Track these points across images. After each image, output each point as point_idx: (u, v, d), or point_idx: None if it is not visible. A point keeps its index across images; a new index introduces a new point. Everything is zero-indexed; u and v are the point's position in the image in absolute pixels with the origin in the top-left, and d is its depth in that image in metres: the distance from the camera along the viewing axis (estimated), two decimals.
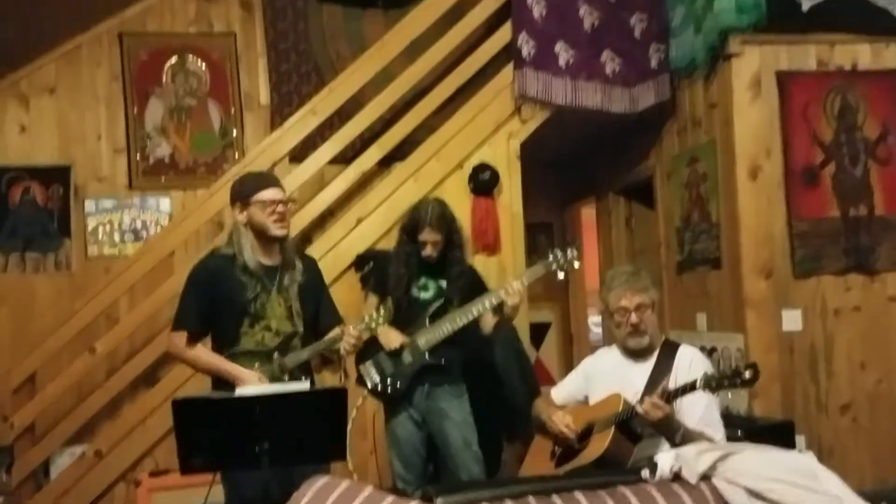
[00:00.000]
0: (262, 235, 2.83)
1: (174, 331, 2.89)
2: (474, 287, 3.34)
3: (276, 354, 2.83)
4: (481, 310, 3.16)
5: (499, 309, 3.18)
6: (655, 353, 2.74)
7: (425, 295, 3.33)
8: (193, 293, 2.87)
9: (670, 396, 2.49)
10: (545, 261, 3.18)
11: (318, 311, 2.98)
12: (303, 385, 2.60)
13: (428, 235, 3.25)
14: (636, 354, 2.76)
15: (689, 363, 2.67)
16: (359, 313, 3.54)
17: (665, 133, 4.71)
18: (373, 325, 2.93)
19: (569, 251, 3.14)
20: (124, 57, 4.98)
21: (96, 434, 4.26)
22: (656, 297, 2.78)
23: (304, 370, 2.90)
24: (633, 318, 2.70)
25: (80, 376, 4.24)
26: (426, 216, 3.26)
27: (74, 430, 4.17)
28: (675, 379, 2.62)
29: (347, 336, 2.86)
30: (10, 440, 4.07)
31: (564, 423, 2.75)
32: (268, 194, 2.82)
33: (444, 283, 3.32)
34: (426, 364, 3.23)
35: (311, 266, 3.03)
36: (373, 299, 3.43)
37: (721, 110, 4.13)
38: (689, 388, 2.45)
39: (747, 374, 2.29)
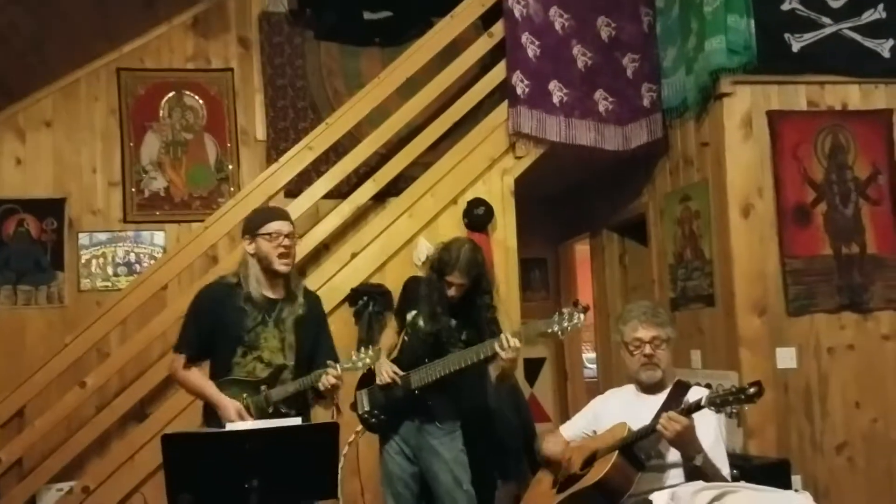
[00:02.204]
0: (267, 268, 2.89)
1: (175, 352, 2.97)
2: (489, 334, 3.17)
3: (263, 387, 2.84)
4: (475, 358, 3.07)
5: (493, 359, 3.07)
6: (666, 391, 2.73)
7: (430, 328, 3.23)
8: (194, 318, 2.95)
9: (688, 411, 2.46)
10: (548, 320, 2.93)
11: (314, 347, 2.98)
12: (293, 420, 2.58)
13: (455, 279, 3.18)
14: (648, 389, 2.75)
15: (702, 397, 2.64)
16: (351, 347, 3.52)
17: (658, 171, 4.74)
18: (359, 364, 2.92)
19: (576, 316, 2.86)
20: (122, 92, 5.03)
21: (84, 470, 4.20)
22: (673, 335, 2.77)
23: (297, 405, 2.90)
24: (648, 349, 2.70)
25: (70, 411, 4.18)
26: (456, 261, 3.17)
27: (62, 465, 4.11)
28: None
29: (330, 372, 2.84)
30: None
31: (560, 446, 2.71)
32: (274, 226, 2.89)
33: (453, 321, 3.22)
34: (415, 403, 3.20)
35: (314, 302, 3.07)
36: (394, 323, 3.43)
37: (713, 149, 4.17)
38: (695, 406, 2.42)
39: (752, 390, 2.27)
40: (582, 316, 2.86)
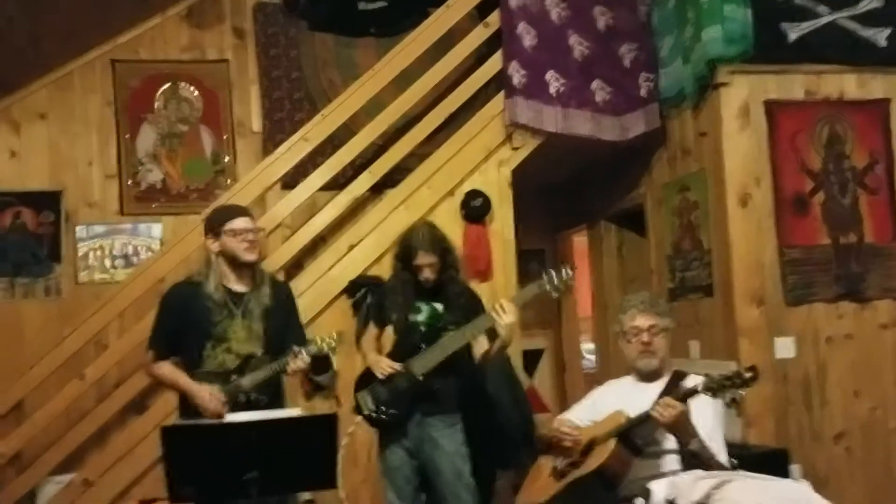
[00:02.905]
0: (234, 262, 2.98)
1: (147, 349, 3.08)
2: (472, 306, 3.31)
3: (234, 376, 2.91)
4: (475, 333, 3.13)
5: (493, 333, 3.13)
6: (664, 379, 2.74)
7: (418, 318, 3.29)
8: (162, 316, 3.07)
9: (684, 397, 2.47)
10: (539, 281, 3.10)
11: (284, 334, 3.03)
12: (293, 411, 2.59)
13: (423, 259, 3.23)
14: (645, 377, 2.76)
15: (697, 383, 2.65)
16: (351, 340, 3.53)
17: (655, 161, 4.74)
18: (325, 347, 2.97)
19: (564, 271, 3.07)
20: (117, 83, 5.00)
21: (84, 462, 4.20)
22: (671, 325, 2.79)
23: (269, 392, 2.96)
24: (645, 336, 2.72)
25: (69, 403, 4.18)
26: (419, 240, 3.25)
27: (62, 458, 4.11)
28: None
29: (298, 356, 2.89)
30: None
31: (566, 427, 2.73)
32: (238, 223, 2.99)
33: (438, 305, 3.28)
34: (421, 391, 3.20)
35: (282, 291, 3.15)
36: (373, 330, 3.42)
37: (710, 139, 4.16)
38: (691, 392, 2.43)
39: (747, 375, 2.28)
40: (571, 272, 3.01)
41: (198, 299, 2.96)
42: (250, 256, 2.98)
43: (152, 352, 3.05)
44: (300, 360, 2.90)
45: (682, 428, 2.45)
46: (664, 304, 2.82)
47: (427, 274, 3.24)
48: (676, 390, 2.61)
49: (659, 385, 2.72)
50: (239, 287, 3.00)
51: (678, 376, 2.74)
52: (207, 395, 2.86)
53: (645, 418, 2.53)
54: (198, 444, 2.38)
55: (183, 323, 2.98)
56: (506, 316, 3.02)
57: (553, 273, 3.06)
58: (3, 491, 4.02)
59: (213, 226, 3.01)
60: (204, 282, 2.98)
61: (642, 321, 2.72)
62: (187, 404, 2.94)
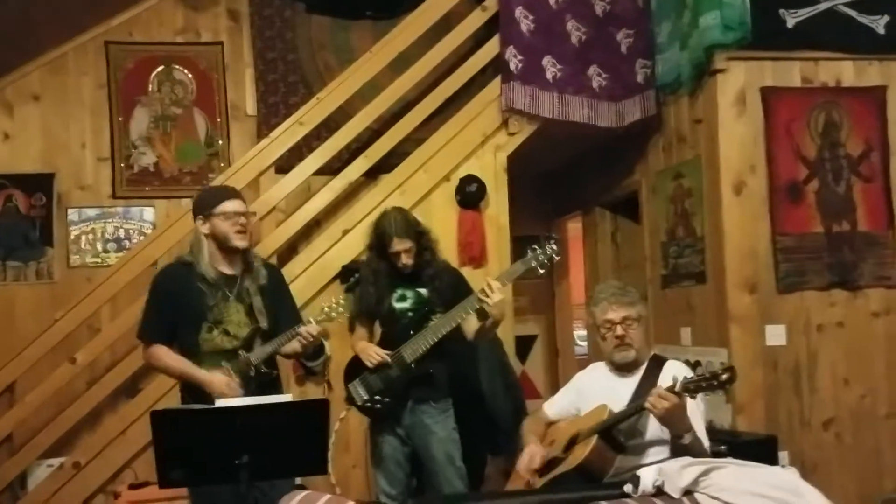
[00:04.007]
0: (223, 246, 2.90)
1: (140, 339, 2.99)
2: (456, 284, 3.30)
3: (241, 351, 2.87)
4: (464, 315, 3.12)
5: (483, 313, 3.12)
6: (643, 368, 2.73)
7: (404, 305, 3.29)
8: (156, 302, 2.95)
9: (677, 388, 2.44)
10: (525, 258, 3.10)
11: (278, 315, 2.99)
12: (284, 397, 2.59)
13: (399, 245, 3.22)
14: (623, 369, 2.75)
15: (673, 377, 2.65)
16: (344, 325, 3.52)
17: (651, 148, 4.73)
18: (333, 314, 2.96)
19: (548, 246, 3.06)
20: (110, 65, 4.97)
21: (75, 445, 4.20)
22: (644, 312, 2.77)
23: (269, 364, 2.94)
24: (619, 330, 2.70)
25: (60, 386, 4.18)
26: (391, 227, 3.23)
27: (53, 441, 4.11)
28: None
29: (308, 327, 2.88)
30: None
31: (535, 460, 2.73)
32: (230, 206, 2.90)
33: (422, 290, 3.28)
34: (413, 377, 3.20)
35: (274, 273, 3.10)
36: (361, 331, 3.40)
37: (706, 126, 4.15)
38: (669, 391, 2.42)
39: (724, 377, 2.26)
40: (555, 246, 3.02)
41: (191, 280, 2.87)
42: (241, 243, 2.89)
43: (147, 339, 2.94)
44: (311, 327, 2.87)
45: (678, 420, 2.43)
46: (635, 292, 2.78)
47: (405, 260, 3.23)
48: (655, 377, 2.60)
49: (637, 374, 2.71)
50: (228, 270, 2.92)
51: (656, 361, 2.74)
52: (225, 386, 2.78)
53: (632, 413, 2.51)
54: (188, 429, 2.38)
55: (177, 305, 2.89)
56: (494, 295, 3.01)
57: (538, 249, 3.06)
58: None
59: (203, 207, 2.93)
60: (195, 263, 2.89)
61: (614, 314, 2.70)
62: (191, 391, 2.86)
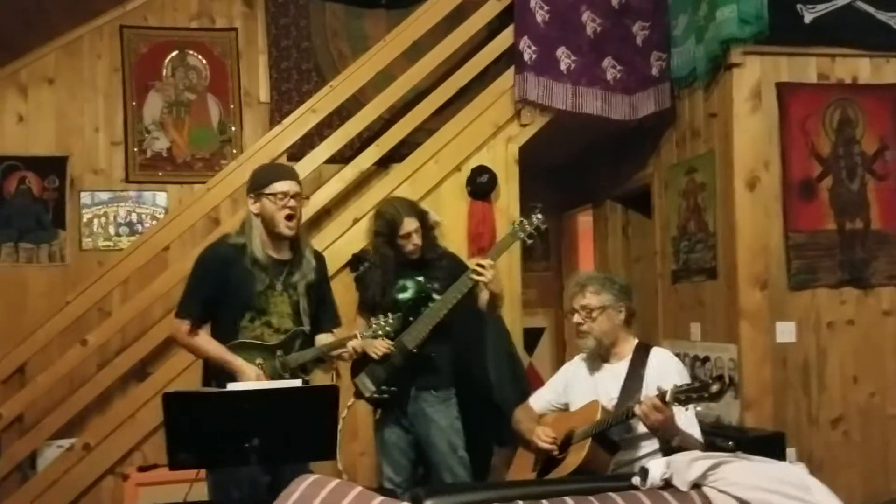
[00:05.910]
0: (270, 230, 2.81)
1: (178, 317, 2.85)
2: (453, 267, 3.31)
3: (279, 352, 2.81)
4: (458, 296, 3.13)
5: (475, 290, 3.15)
6: (628, 358, 2.74)
7: (406, 296, 3.28)
8: (201, 280, 2.83)
9: (667, 398, 2.45)
10: (511, 230, 3.15)
11: (318, 309, 2.95)
12: (294, 382, 2.59)
13: (409, 226, 3.23)
14: (605, 359, 2.77)
15: (660, 368, 2.66)
16: (352, 313, 3.53)
17: (664, 142, 4.71)
18: (380, 332, 2.94)
19: (534, 216, 3.08)
20: (125, 50, 4.97)
21: (85, 427, 4.23)
22: (612, 301, 2.74)
23: (303, 370, 2.90)
24: (576, 318, 2.75)
25: (71, 368, 4.21)
26: (398, 210, 3.26)
27: (63, 422, 4.14)
28: (647, 384, 2.61)
29: (354, 342, 2.87)
30: None
31: (548, 439, 2.73)
32: (280, 186, 2.79)
33: (420, 278, 3.28)
34: (417, 363, 3.21)
35: (321, 265, 3.02)
36: (362, 322, 3.39)
37: (720, 120, 4.13)
38: (660, 400, 2.40)
39: (714, 388, 2.23)
40: (540, 216, 3.05)
41: (239, 263, 2.75)
42: (287, 231, 2.77)
43: (186, 319, 2.80)
44: (357, 343, 2.85)
45: (668, 428, 2.45)
46: (604, 281, 2.78)
47: (415, 240, 3.25)
48: (642, 366, 2.63)
49: (624, 364, 2.72)
50: (276, 255, 2.81)
51: (641, 350, 2.74)
52: (255, 376, 2.70)
53: (629, 417, 2.51)
54: (199, 412, 2.40)
55: (221, 289, 2.76)
56: (487, 273, 3.06)
57: (524, 220, 3.10)
58: (4, 453, 4.06)
59: (255, 185, 2.81)
60: (246, 244, 2.76)
61: (574, 303, 2.76)
62: (214, 373, 2.78)
